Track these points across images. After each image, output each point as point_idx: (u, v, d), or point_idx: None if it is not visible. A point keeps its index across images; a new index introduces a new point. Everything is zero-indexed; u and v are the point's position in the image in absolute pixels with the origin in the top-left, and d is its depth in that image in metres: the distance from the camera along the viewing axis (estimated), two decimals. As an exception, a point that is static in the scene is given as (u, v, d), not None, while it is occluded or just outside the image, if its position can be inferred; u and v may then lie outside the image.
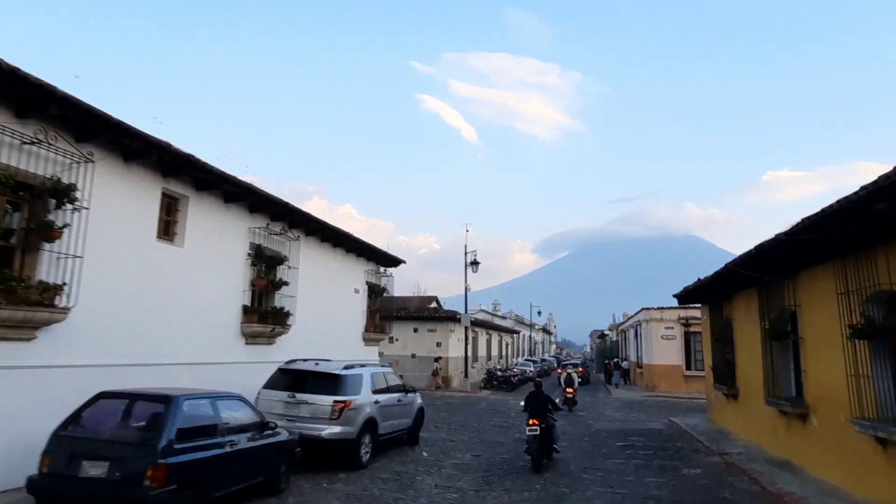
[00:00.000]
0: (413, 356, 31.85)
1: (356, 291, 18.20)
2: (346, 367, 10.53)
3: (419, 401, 13.39)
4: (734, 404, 14.74)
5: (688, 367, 29.20)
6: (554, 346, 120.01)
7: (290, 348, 13.40)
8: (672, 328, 29.47)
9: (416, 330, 32.08)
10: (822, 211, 7.10)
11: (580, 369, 39.70)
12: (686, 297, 18.19)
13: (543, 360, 56.47)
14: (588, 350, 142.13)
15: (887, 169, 6.37)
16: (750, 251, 10.06)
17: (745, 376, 13.92)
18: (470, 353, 37.14)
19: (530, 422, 11.00)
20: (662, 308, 29.76)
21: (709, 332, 17.48)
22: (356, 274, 18.32)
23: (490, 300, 74.53)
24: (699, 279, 15.77)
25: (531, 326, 71.23)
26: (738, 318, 14.29)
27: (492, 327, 44.93)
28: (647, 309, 30.14)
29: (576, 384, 23.66)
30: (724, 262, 13.75)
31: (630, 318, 36.38)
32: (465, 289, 30.41)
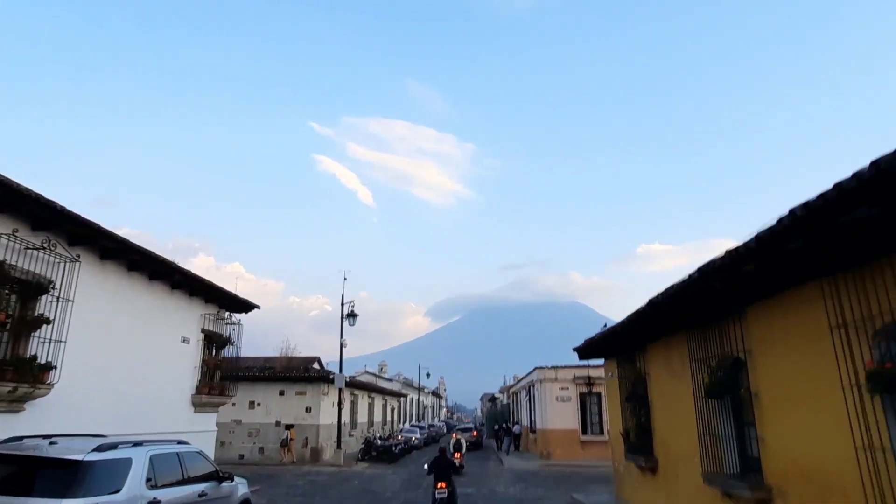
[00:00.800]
0: (278, 423, 27.14)
1: (185, 341, 14.05)
2: (98, 448, 6.58)
3: (242, 491, 9.48)
4: (652, 480, 12.05)
5: (584, 432, 26.82)
6: (444, 411, 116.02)
7: (55, 418, 9.15)
8: (567, 388, 27.18)
9: (282, 393, 27.54)
10: (836, 188, 4.56)
11: (475, 433, 39.50)
12: (588, 350, 15.70)
13: (431, 426, 52.64)
14: (479, 414, 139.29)
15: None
16: (691, 276, 7.51)
17: (666, 445, 11.33)
18: (347, 419, 32.81)
19: (439, 485, 12.62)
20: (557, 367, 27.51)
21: (617, 391, 14.95)
22: (187, 318, 14.21)
23: (383, 363, 70.26)
24: (605, 325, 13.35)
25: (419, 389, 67.42)
26: (657, 373, 11.82)
27: (375, 390, 40.84)
28: (541, 368, 27.80)
29: (463, 449, 23.34)
30: (604, 327, 11.69)
31: (522, 378, 33.92)
32: (341, 345, 26.59)
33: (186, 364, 14.18)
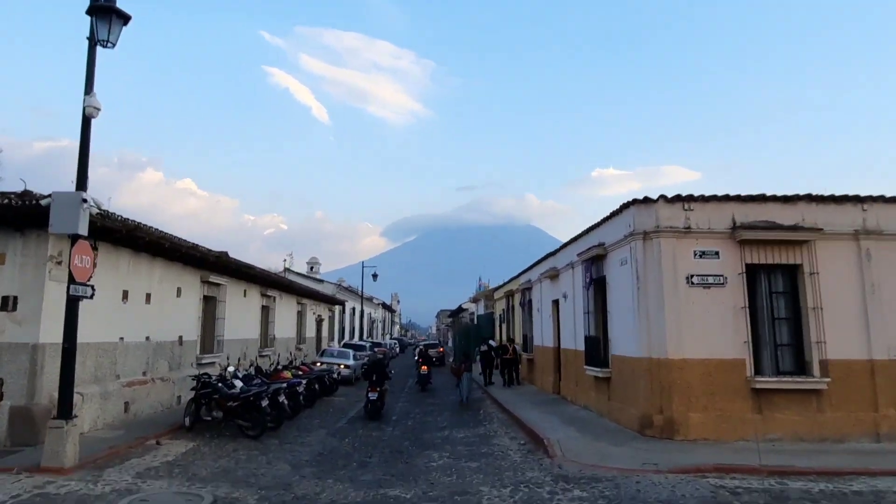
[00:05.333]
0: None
1: None
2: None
3: None
4: None
5: (758, 369, 10.32)
6: (398, 328, 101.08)
7: None
8: (716, 255, 10.43)
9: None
10: None
11: (441, 349, 36.32)
12: None
13: (376, 346, 36.15)
14: (433, 332, 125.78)
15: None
16: None
17: None
18: (195, 332, 15.66)
19: (423, 368, 21.54)
20: (692, 199, 10.58)
21: None
22: None
23: (313, 259, 53.04)
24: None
25: (364, 299, 50.61)
26: None
27: (272, 284, 23.41)
28: (648, 202, 10.70)
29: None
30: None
31: (577, 240, 15.62)
32: (87, 112, 8.86)
33: None
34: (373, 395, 14.44)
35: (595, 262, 13.01)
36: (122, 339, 12.14)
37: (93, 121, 8.69)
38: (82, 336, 10.63)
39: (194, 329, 15.87)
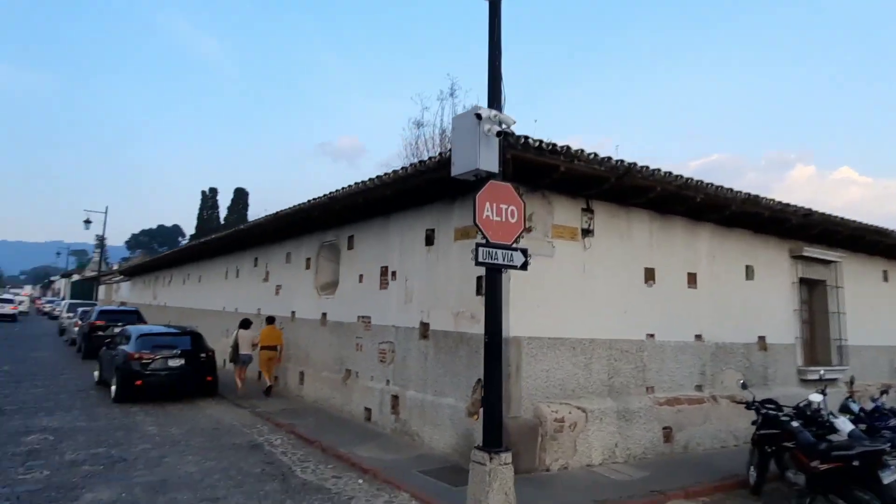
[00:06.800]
0: (363, 320, 8.76)
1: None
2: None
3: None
4: None
5: None
6: None
7: None
8: None
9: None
10: None
11: None
12: None
13: None
14: None
15: None
16: None
17: None
18: (790, 327, 10.58)
19: None
20: None
21: None
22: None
23: None
24: None
25: None
26: None
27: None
28: None
29: None
30: None
31: None
32: None
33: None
34: None
35: None
36: (650, 335, 8.57)
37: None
38: (579, 330, 7.72)
39: (788, 328, 10.66)
